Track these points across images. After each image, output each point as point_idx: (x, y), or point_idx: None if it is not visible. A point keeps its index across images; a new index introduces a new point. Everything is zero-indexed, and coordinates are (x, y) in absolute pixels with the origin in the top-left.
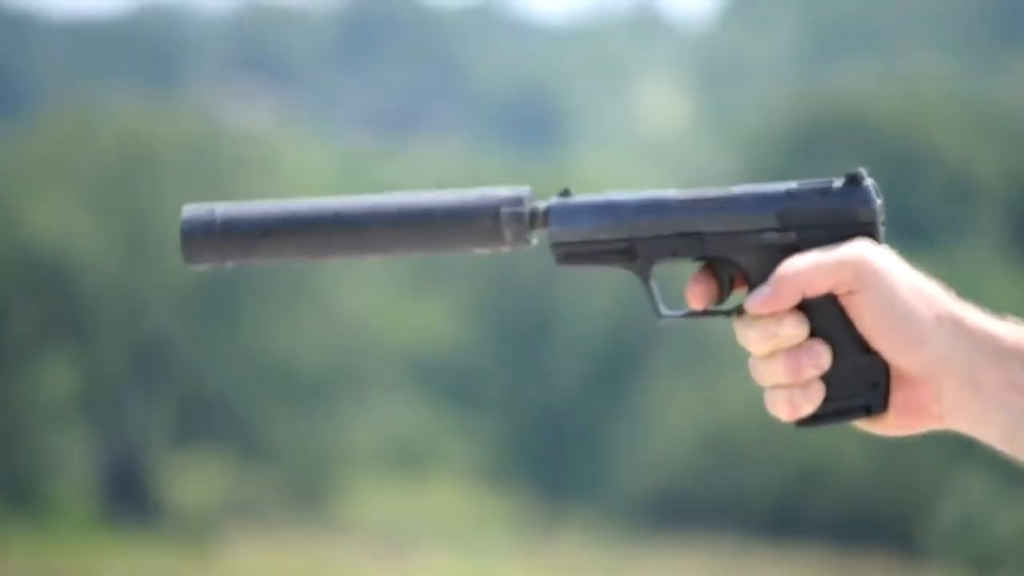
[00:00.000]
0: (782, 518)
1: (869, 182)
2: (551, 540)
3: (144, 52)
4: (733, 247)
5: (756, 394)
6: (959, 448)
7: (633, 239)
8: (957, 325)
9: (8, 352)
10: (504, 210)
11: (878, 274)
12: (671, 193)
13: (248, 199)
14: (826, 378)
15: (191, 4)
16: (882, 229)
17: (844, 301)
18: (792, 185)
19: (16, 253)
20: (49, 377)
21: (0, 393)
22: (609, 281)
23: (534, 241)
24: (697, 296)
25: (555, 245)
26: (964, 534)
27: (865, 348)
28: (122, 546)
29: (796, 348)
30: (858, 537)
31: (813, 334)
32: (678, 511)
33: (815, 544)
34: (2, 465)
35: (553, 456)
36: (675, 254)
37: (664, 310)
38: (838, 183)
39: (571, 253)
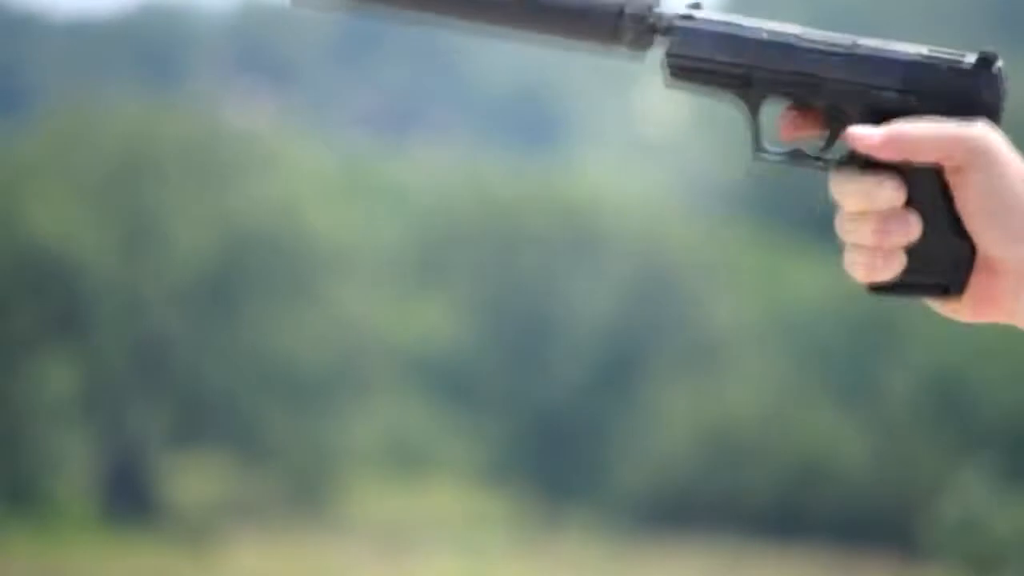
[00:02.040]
0: (783, 517)
1: (1000, 65)
2: (551, 540)
3: (144, 52)
4: (849, 98)
5: (756, 394)
6: (959, 448)
7: (752, 67)
8: None
9: (8, 351)
10: (629, 10)
11: (993, 158)
12: (798, 30)
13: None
14: (911, 250)
15: (191, 4)
16: (1002, 115)
17: (950, 178)
18: (923, 50)
19: (16, 252)
20: (49, 376)
21: (0, 393)
22: (609, 281)
23: (652, 47)
24: (791, 129)
25: (671, 56)
26: (964, 534)
27: (957, 229)
28: (122, 546)
29: (889, 213)
30: (858, 536)
31: (909, 203)
32: (679, 510)
33: (816, 543)
34: (2, 465)
35: (553, 455)
36: (790, 93)
37: (767, 146)
38: (971, 59)
39: (685, 67)
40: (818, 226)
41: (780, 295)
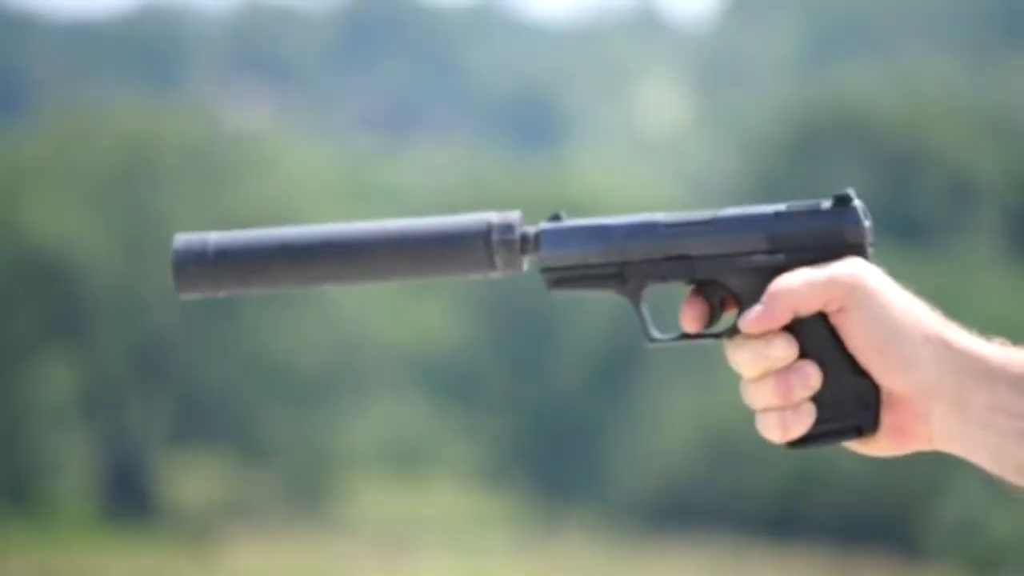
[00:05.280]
0: (782, 518)
1: (858, 203)
2: (551, 540)
3: (144, 52)
4: (723, 269)
5: None
6: None
7: (623, 263)
8: (945, 346)
9: (8, 352)
10: (495, 236)
11: (869, 292)
12: (660, 216)
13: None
14: (817, 399)
15: (191, 4)
16: (871, 250)
17: (834, 320)
18: (781, 207)
19: (16, 253)
20: (49, 377)
21: (0, 393)
22: None
23: (525, 266)
24: (690, 319)
25: (546, 270)
26: (964, 534)
27: (855, 368)
28: (122, 546)
29: (786, 369)
30: (858, 537)
31: (803, 355)
32: (678, 511)
33: (815, 544)
34: (2, 465)
35: (553, 456)
36: (665, 277)
37: (655, 334)
38: (827, 204)
39: (562, 278)
40: None
41: None
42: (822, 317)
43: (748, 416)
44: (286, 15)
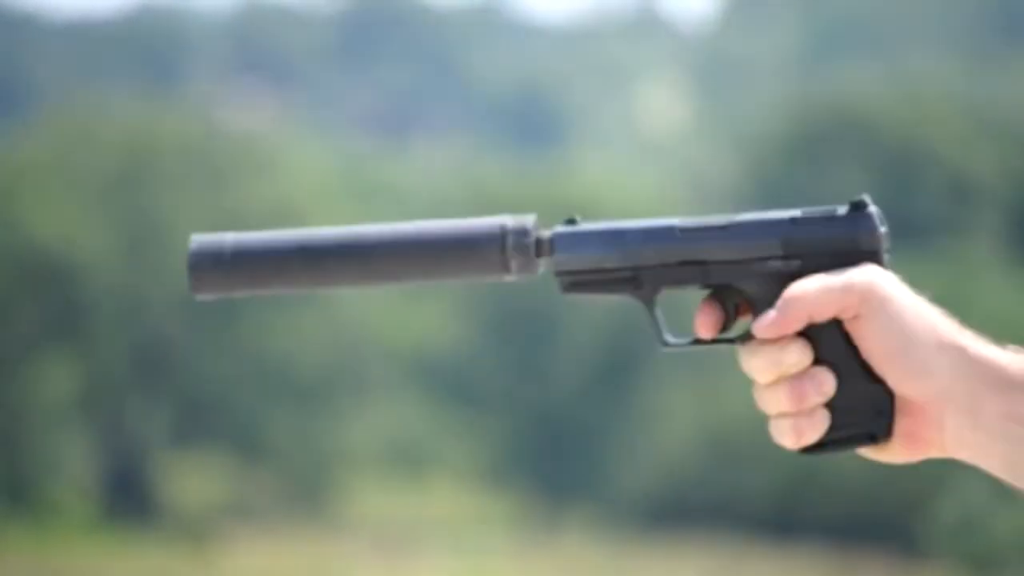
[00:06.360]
0: (782, 518)
1: (873, 209)
2: (551, 540)
3: (144, 52)
4: (737, 275)
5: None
6: None
7: (638, 267)
8: (960, 353)
9: (8, 352)
10: (510, 240)
11: (884, 299)
12: (675, 221)
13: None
14: (831, 406)
15: (191, 4)
16: (887, 256)
17: (849, 327)
18: (796, 213)
19: (17, 253)
20: (49, 378)
21: (0, 393)
22: None
23: (540, 270)
24: (704, 324)
25: (560, 274)
26: (964, 534)
27: (869, 375)
28: (122, 546)
29: (800, 375)
30: (858, 537)
31: (817, 361)
32: (678, 511)
33: (815, 544)
34: (2, 465)
35: (553, 456)
36: (679, 282)
37: (670, 338)
38: (842, 210)
39: (577, 282)
40: None
41: None
42: (837, 324)
43: (748, 416)
44: (286, 15)
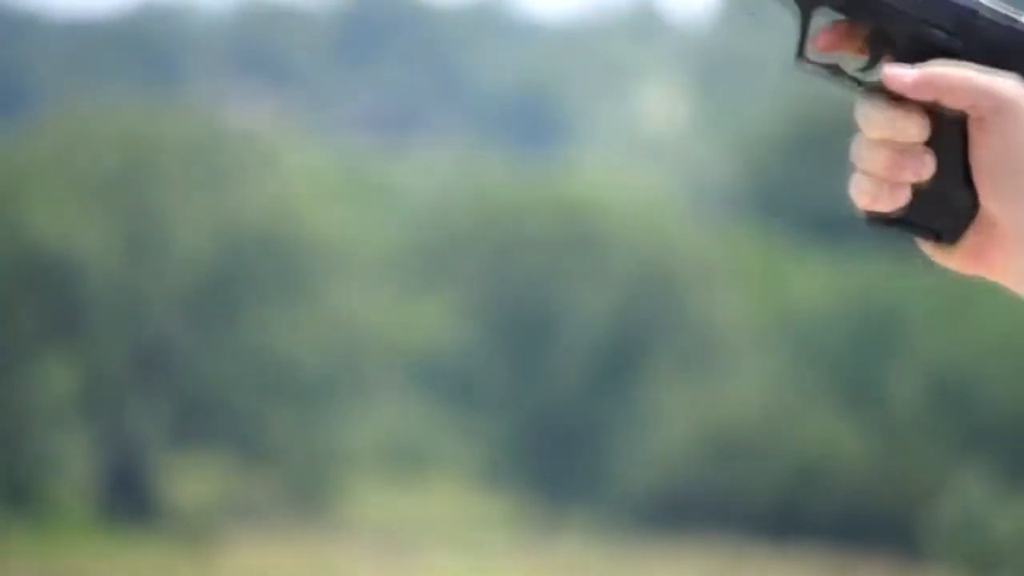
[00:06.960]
0: (782, 518)
1: None
2: (551, 540)
3: (144, 52)
4: (900, 26)
5: (756, 394)
6: (960, 448)
7: None
8: None
9: (8, 352)
10: None
11: (1017, 118)
12: None
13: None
14: (916, 189)
15: (191, 4)
16: None
17: (971, 126)
18: (983, 1)
19: (17, 253)
20: (49, 377)
21: (0, 393)
22: (609, 282)
23: None
24: (832, 43)
25: None
26: (964, 534)
27: (966, 180)
28: (122, 546)
29: (907, 148)
30: (858, 537)
31: (927, 143)
32: (678, 511)
33: (815, 544)
34: (2, 465)
35: (553, 456)
36: (842, 9)
37: (811, 54)
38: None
39: None
40: (819, 227)
41: (781, 296)
42: (963, 119)
43: (748, 416)
44: (286, 15)
